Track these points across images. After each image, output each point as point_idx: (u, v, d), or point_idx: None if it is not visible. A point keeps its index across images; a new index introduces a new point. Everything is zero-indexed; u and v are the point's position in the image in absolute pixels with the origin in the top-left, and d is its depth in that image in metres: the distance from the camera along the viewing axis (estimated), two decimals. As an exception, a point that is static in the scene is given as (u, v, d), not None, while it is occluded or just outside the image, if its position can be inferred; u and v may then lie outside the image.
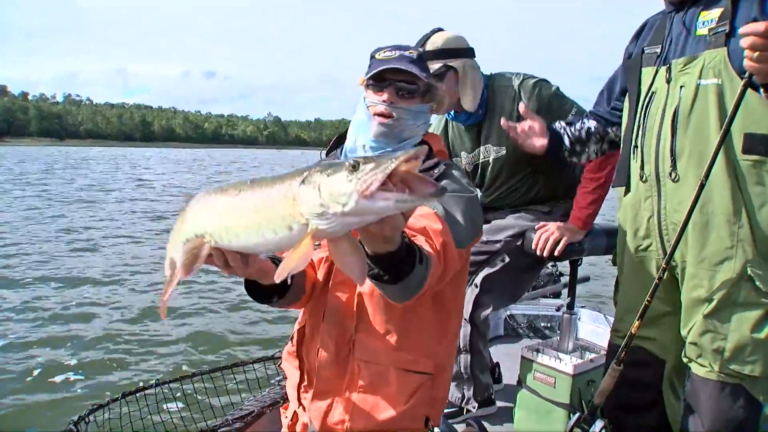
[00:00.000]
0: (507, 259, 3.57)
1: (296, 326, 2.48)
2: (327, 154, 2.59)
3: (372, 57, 2.40)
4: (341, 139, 2.58)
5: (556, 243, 3.19)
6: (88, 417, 2.95)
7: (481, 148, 3.55)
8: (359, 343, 2.23)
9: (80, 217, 21.47)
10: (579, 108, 3.38)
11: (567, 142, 3.06)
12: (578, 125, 3.04)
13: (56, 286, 11.51)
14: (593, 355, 3.37)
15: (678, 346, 2.58)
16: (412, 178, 1.35)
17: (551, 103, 3.37)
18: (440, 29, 3.41)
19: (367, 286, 2.16)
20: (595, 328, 4.95)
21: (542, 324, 5.36)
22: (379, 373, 2.21)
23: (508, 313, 5.33)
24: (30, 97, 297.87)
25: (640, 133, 2.58)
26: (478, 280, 3.53)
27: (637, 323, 2.41)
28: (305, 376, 2.37)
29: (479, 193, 3.69)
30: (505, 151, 3.47)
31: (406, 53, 2.34)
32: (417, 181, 1.36)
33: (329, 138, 2.65)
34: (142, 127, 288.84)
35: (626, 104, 2.75)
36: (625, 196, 2.71)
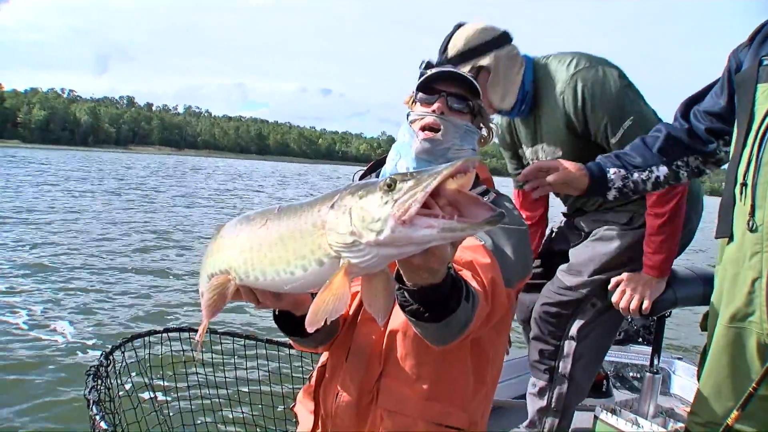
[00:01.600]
0: (598, 304, 3.15)
1: (318, 364, 2.26)
2: (361, 178, 2.33)
3: (421, 75, 2.19)
4: (379, 164, 2.35)
5: (640, 302, 2.83)
6: (125, 345, 2.88)
7: (539, 145, 3.15)
8: (385, 389, 1.96)
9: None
10: (643, 115, 2.83)
11: (615, 193, 2.52)
12: (641, 174, 2.48)
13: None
14: (679, 425, 2.98)
15: None
16: (463, 198, 1.14)
17: (611, 107, 2.83)
18: (461, 24, 3.02)
19: (399, 323, 1.93)
20: (693, 385, 4.34)
21: (631, 374, 4.77)
22: (404, 426, 1.93)
23: None
24: (154, 108, 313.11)
25: (752, 168, 2.03)
26: (573, 331, 3.14)
27: (735, 414, 1.99)
28: (319, 423, 2.13)
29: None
30: (561, 153, 3.01)
31: (458, 68, 2.18)
32: (469, 202, 1.14)
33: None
34: (258, 140, 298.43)
35: (735, 132, 2.20)
36: (727, 246, 2.18)
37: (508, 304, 1.93)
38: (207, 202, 30.23)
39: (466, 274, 1.72)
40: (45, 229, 17.06)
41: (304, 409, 2.23)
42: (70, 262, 12.81)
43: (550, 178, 2.47)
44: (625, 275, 2.88)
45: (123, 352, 2.85)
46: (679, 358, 4.80)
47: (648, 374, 3.16)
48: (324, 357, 2.22)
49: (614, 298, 2.86)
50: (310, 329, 1.25)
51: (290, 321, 1.91)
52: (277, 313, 1.91)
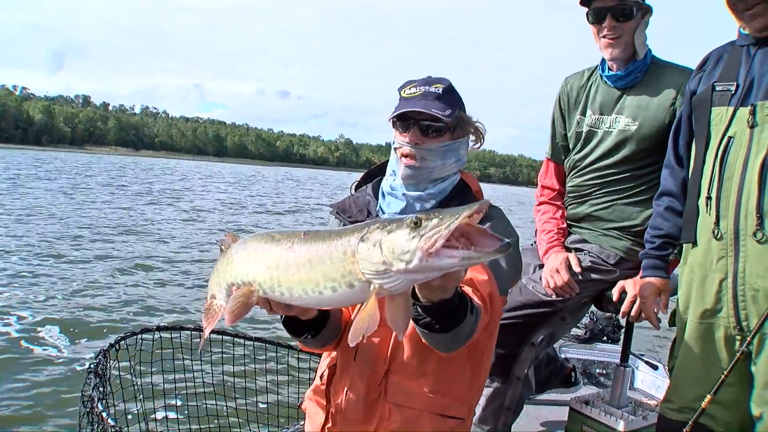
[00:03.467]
0: (568, 318, 3.39)
1: (325, 363, 2.41)
2: (356, 189, 2.54)
3: (398, 93, 2.34)
4: (371, 174, 2.55)
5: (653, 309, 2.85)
6: (119, 344, 2.96)
7: (613, 115, 3.20)
8: (393, 385, 2.16)
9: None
10: None
11: None
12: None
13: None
14: (647, 412, 3.21)
15: (744, 423, 2.36)
16: (474, 231, 1.38)
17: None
18: None
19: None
20: (653, 379, 4.75)
21: (598, 370, 5.12)
22: (411, 418, 2.13)
23: (563, 356, 5.04)
24: (110, 108, 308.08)
25: (715, 183, 2.34)
26: (535, 339, 3.32)
27: (709, 398, 2.25)
28: (330, 418, 2.28)
29: (572, 179, 3.41)
30: (636, 127, 3.10)
31: (432, 88, 2.27)
32: (479, 234, 1.38)
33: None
34: (216, 142, 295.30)
35: (693, 149, 2.52)
36: (692, 250, 2.48)
37: (502, 308, 2.19)
38: (169, 202, 29.99)
39: (467, 290, 1.92)
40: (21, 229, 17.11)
41: (314, 405, 2.37)
42: (39, 262, 12.79)
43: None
44: (627, 284, 2.94)
45: (117, 350, 2.92)
46: (641, 356, 5.07)
47: (618, 367, 3.36)
48: (331, 358, 2.37)
49: (624, 308, 2.90)
50: (352, 344, 1.48)
51: (297, 325, 2.09)
52: (284, 317, 2.04)
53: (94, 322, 8.90)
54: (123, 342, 2.98)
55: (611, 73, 3.19)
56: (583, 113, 3.32)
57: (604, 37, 3.09)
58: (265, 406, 3.72)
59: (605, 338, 5.49)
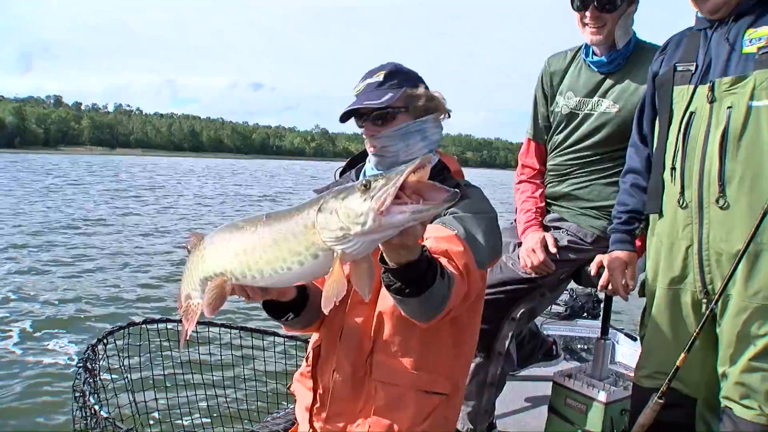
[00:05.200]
0: (547, 294, 3.43)
1: (311, 346, 2.45)
2: (341, 175, 2.59)
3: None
4: (355, 161, 2.60)
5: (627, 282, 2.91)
6: (107, 338, 2.99)
7: (595, 98, 3.24)
8: (378, 363, 2.19)
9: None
10: None
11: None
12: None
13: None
14: (628, 383, 3.25)
15: (710, 384, 2.46)
16: (424, 186, 1.42)
17: None
18: None
19: (386, 306, 2.15)
20: (633, 352, 4.78)
21: (579, 346, 5.22)
22: (397, 395, 2.17)
23: (545, 333, 4.99)
24: (83, 107, 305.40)
25: (679, 156, 2.44)
26: (515, 314, 3.35)
27: (683, 356, 2.33)
28: (318, 398, 2.32)
29: (553, 158, 3.46)
30: (616, 110, 3.15)
31: (372, 79, 2.31)
32: (429, 189, 1.42)
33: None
34: (191, 138, 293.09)
35: (657, 126, 2.63)
36: (658, 221, 2.58)
37: (482, 283, 2.19)
38: (152, 201, 29.89)
39: (443, 261, 1.94)
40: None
41: (302, 387, 2.42)
42: (22, 261, 13.02)
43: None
44: (606, 258, 2.96)
45: (105, 345, 2.94)
46: (620, 330, 5.28)
47: (599, 340, 3.42)
48: (316, 338, 2.41)
49: (601, 282, 2.96)
50: (326, 311, 1.50)
51: (278, 308, 2.15)
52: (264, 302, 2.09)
53: (81, 318, 9.05)
54: (111, 336, 3.01)
55: (595, 58, 3.23)
56: (565, 95, 3.37)
57: (586, 25, 3.12)
58: (254, 392, 3.76)
59: (585, 314, 5.59)
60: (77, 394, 2.49)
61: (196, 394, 3.51)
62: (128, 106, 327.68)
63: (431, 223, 2.14)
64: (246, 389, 3.71)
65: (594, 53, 3.24)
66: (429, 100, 2.36)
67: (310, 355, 2.39)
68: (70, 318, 8.96)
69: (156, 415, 3.37)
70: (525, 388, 4.36)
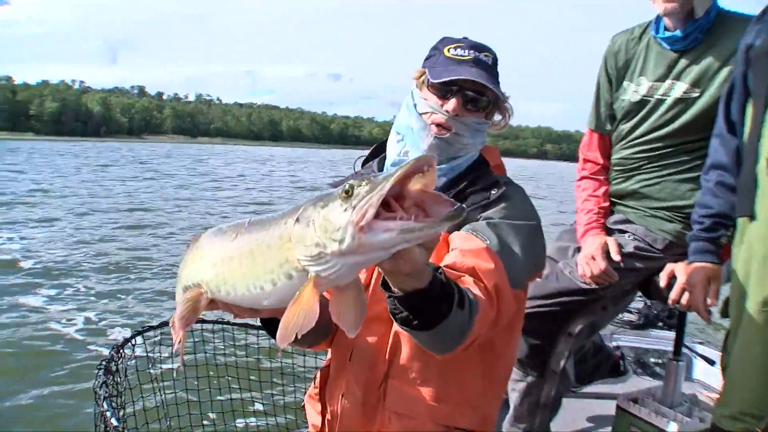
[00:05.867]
0: (609, 307, 3.09)
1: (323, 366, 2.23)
2: (363, 165, 2.30)
3: (437, 49, 2.08)
4: (380, 148, 2.29)
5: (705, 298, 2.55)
6: (135, 339, 2.88)
7: (668, 81, 2.86)
8: (392, 390, 1.93)
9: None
10: None
11: None
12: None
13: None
14: (704, 413, 2.90)
15: None
16: (428, 198, 1.14)
17: None
18: None
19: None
20: (714, 370, 4.20)
21: (652, 360, 4.66)
22: (413, 428, 1.91)
23: (614, 344, 4.58)
24: (165, 97, 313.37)
25: None
26: (573, 329, 3.03)
27: None
28: (326, 424, 2.10)
29: (619, 151, 3.09)
30: (696, 95, 2.77)
31: (482, 56, 2.01)
32: (431, 201, 1.14)
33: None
34: (270, 127, 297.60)
35: (750, 109, 2.23)
36: (750, 225, 2.17)
37: (517, 304, 1.89)
38: (231, 191, 30.51)
39: (468, 281, 1.68)
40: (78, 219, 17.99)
41: (311, 409, 2.21)
42: (92, 253, 13.25)
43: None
44: (678, 268, 2.64)
45: (133, 345, 2.85)
46: (700, 342, 4.67)
47: (671, 361, 3.06)
48: (327, 357, 2.20)
49: (673, 296, 2.61)
50: (281, 345, 1.24)
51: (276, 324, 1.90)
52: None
53: (129, 309, 9.14)
54: (139, 337, 2.90)
55: (667, 34, 2.84)
56: (633, 78, 2.98)
57: None
58: (281, 403, 3.60)
59: (661, 324, 5.06)
60: (97, 398, 2.38)
61: (231, 398, 3.39)
62: (208, 96, 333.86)
63: (458, 230, 1.88)
64: (273, 398, 3.56)
65: (666, 28, 2.85)
66: (504, 108, 2.13)
67: (318, 376, 2.18)
68: (119, 309, 9.12)
69: (186, 419, 3.24)
70: (587, 407, 3.95)
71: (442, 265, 1.72)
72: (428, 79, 2.03)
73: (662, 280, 2.68)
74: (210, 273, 1.49)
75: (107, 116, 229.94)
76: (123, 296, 9.84)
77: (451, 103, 1.98)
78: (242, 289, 1.39)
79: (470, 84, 1.97)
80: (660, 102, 2.87)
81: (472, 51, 2.01)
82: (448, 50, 2.03)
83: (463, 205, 1.12)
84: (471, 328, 1.57)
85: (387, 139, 2.23)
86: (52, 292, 9.85)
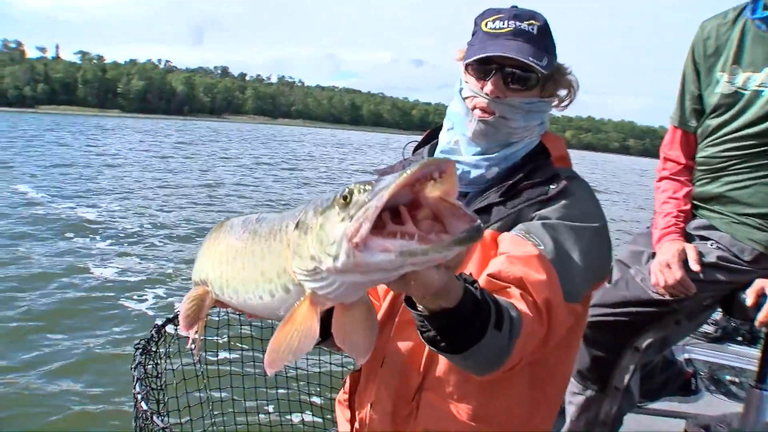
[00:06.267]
0: (683, 323, 2.79)
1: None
2: (414, 152, 2.10)
3: (477, 24, 1.87)
4: (434, 133, 2.08)
5: None
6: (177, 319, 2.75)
7: (766, 71, 2.58)
8: (426, 404, 1.73)
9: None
10: None
11: None
12: None
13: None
14: None
15: None
16: (446, 208, 0.94)
17: None
18: None
19: None
20: None
21: (728, 377, 4.19)
22: None
23: (686, 356, 4.20)
24: (247, 78, 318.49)
25: None
26: (641, 344, 2.77)
27: None
28: None
29: (705, 148, 2.80)
30: None
31: (524, 25, 1.79)
32: (450, 213, 0.94)
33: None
34: (351, 111, 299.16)
35: None
36: None
37: (574, 319, 1.66)
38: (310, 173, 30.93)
39: (514, 293, 1.48)
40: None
41: (341, 414, 2.05)
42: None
43: None
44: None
45: (176, 326, 2.74)
46: None
47: (753, 389, 2.74)
48: None
49: (761, 318, 2.40)
50: (269, 371, 1.07)
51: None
52: None
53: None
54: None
55: (766, 13, 2.54)
56: (726, 68, 2.68)
57: None
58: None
59: (740, 339, 4.57)
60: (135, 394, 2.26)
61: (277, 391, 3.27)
62: (290, 78, 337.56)
63: (508, 231, 1.67)
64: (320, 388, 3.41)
65: (766, 7, 2.54)
66: (566, 81, 1.90)
67: (347, 382, 2.02)
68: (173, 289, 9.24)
69: (220, 414, 3.13)
70: (652, 424, 3.62)
71: (486, 272, 1.54)
72: (466, 60, 1.84)
73: (749, 298, 2.43)
74: (216, 272, 1.37)
75: (190, 95, 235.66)
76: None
77: (489, 85, 1.78)
78: (243, 294, 1.26)
79: (511, 60, 1.76)
80: (756, 94, 2.57)
81: (512, 21, 1.80)
82: (486, 24, 1.84)
83: (480, 225, 0.92)
84: (511, 352, 1.37)
85: (443, 124, 2.03)
86: (123, 262, 10.05)
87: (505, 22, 1.80)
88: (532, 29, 1.79)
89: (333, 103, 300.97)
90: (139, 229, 13.28)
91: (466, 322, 1.22)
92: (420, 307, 1.20)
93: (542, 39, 1.80)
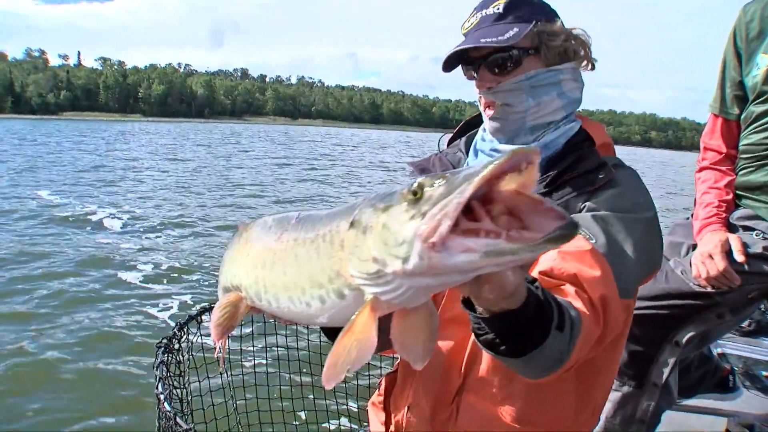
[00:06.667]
0: (726, 316, 2.66)
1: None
2: (448, 144, 2.03)
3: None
4: (470, 125, 2.01)
5: None
6: (201, 317, 2.66)
7: None
8: (466, 407, 1.65)
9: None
10: None
11: None
12: None
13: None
14: None
15: None
16: (526, 203, 0.85)
17: None
18: None
19: None
20: None
21: (764, 372, 3.96)
22: None
23: (719, 350, 3.98)
24: (267, 80, 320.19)
25: None
26: (681, 338, 2.67)
27: None
28: None
29: (749, 136, 2.67)
30: None
31: (489, 10, 1.71)
32: (533, 209, 0.85)
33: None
34: (372, 110, 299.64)
35: None
36: None
37: (626, 315, 1.57)
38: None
39: (569, 291, 1.39)
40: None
41: (374, 417, 1.97)
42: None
43: None
44: None
45: (199, 323, 2.67)
46: None
47: None
48: (396, 361, 1.95)
49: None
50: (327, 386, 0.99)
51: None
52: None
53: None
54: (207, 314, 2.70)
55: None
56: None
57: None
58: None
59: None
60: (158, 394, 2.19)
61: (301, 383, 3.19)
62: (310, 78, 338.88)
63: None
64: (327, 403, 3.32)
65: None
66: (568, 39, 1.74)
67: (383, 383, 1.93)
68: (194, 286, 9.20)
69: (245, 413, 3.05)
70: (687, 422, 3.46)
71: (538, 269, 1.45)
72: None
73: None
74: (251, 276, 1.28)
75: (211, 98, 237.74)
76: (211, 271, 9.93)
77: (479, 79, 1.74)
78: (285, 301, 1.17)
79: (480, 51, 1.70)
80: None
81: (478, 13, 1.75)
82: (462, 27, 1.79)
83: (575, 221, 0.83)
84: (571, 353, 1.28)
85: (478, 114, 1.95)
86: (146, 262, 10.12)
87: (473, 17, 1.76)
88: (498, 9, 1.71)
89: (353, 102, 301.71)
90: (161, 229, 13.47)
91: (530, 324, 1.13)
92: (480, 309, 1.10)
93: (510, 13, 1.71)
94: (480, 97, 1.78)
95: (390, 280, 0.92)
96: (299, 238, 1.14)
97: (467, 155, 1.92)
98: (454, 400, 1.67)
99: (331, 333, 1.60)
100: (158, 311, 8.04)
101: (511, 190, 0.85)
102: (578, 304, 1.35)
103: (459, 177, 0.85)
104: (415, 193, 0.88)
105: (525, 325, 1.12)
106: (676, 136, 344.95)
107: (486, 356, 1.62)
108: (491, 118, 1.74)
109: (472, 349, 1.63)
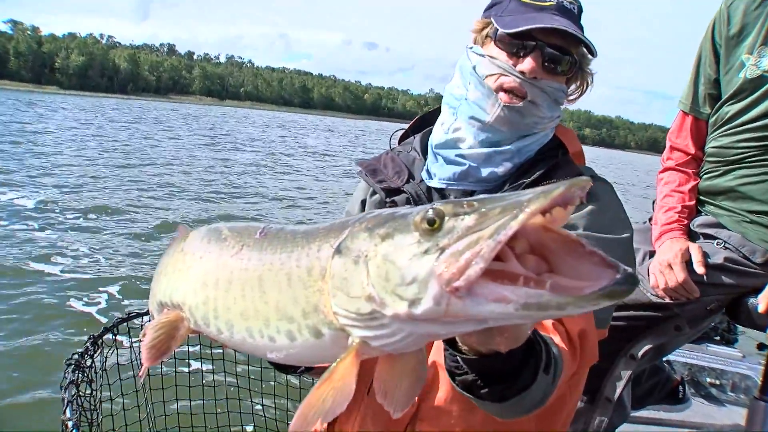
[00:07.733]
0: (685, 329, 2.62)
1: None
2: (400, 141, 1.90)
3: None
4: (425, 122, 1.89)
5: None
6: (117, 328, 2.54)
7: None
8: None
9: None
10: None
11: None
12: None
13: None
14: None
15: None
16: (556, 242, 0.73)
17: None
18: None
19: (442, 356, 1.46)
20: None
21: (708, 379, 4.08)
22: None
23: (664, 358, 3.94)
24: (195, 57, 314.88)
25: None
26: (637, 351, 2.61)
27: None
28: None
29: (718, 138, 2.62)
30: None
31: (566, 3, 1.60)
32: (567, 250, 0.73)
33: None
34: (302, 94, 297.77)
35: None
36: None
37: (596, 348, 1.48)
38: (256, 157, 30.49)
39: (546, 323, 1.29)
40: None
41: None
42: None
43: None
44: None
45: (115, 335, 2.50)
46: None
47: (756, 401, 2.58)
48: None
49: None
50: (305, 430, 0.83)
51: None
52: None
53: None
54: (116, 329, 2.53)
55: None
56: (753, 50, 2.49)
57: None
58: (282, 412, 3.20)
59: (718, 338, 4.51)
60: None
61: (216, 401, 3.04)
62: (240, 58, 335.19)
63: None
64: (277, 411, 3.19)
65: None
66: (587, 74, 1.74)
67: None
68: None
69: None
70: None
71: None
72: (496, 31, 1.62)
73: (762, 303, 2.28)
74: (198, 296, 1.10)
75: (134, 73, 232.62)
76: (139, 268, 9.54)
77: (527, 62, 1.59)
78: (241, 331, 1.00)
79: (554, 37, 1.57)
80: (763, 78, 2.42)
81: None
82: None
83: (632, 272, 0.72)
84: (551, 394, 1.18)
85: (434, 110, 1.85)
86: (64, 254, 9.69)
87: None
88: (574, 8, 1.63)
89: (283, 85, 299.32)
90: (82, 216, 12.63)
91: (518, 368, 1.03)
92: (464, 348, 0.98)
93: (580, 17, 1.65)
94: (494, 75, 1.63)
95: (387, 323, 0.80)
96: (264, 258, 0.98)
97: (422, 155, 1.81)
98: (406, 430, 1.54)
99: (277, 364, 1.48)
100: (83, 305, 7.63)
101: (537, 225, 0.73)
102: (557, 338, 1.27)
103: (495, 208, 0.72)
104: (431, 223, 0.75)
105: (513, 369, 1.02)
106: (610, 134, 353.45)
107: (445, 383, 1.50)
108: (510, 107, 1.60)
109: (430, 374, 1.51)
